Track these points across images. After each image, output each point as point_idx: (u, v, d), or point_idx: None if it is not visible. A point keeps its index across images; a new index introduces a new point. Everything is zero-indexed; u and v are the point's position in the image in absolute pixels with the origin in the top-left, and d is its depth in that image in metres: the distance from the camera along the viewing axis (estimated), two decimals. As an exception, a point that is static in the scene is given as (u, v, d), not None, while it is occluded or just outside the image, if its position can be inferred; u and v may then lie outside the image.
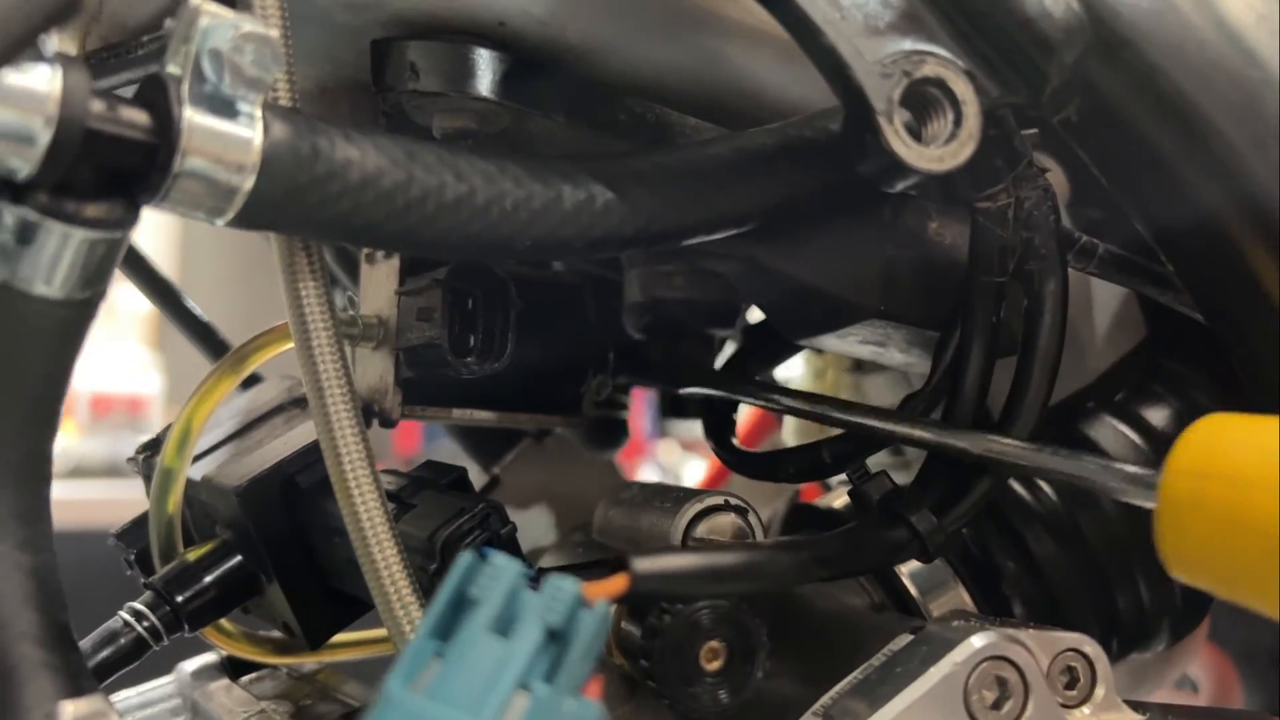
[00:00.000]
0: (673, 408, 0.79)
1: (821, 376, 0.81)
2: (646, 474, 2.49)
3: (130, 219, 0.35)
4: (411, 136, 0.39)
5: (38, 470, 0.38)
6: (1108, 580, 0.54)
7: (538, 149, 0.48)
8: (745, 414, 0.85)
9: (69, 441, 2.14)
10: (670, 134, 0.47)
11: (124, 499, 0.72)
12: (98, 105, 0.33)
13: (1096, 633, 0.54)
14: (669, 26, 0.45)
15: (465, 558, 0.32)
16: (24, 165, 0.32)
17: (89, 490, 1.97)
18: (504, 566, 0.32)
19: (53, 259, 0.34)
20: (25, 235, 0.33)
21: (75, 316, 0.36)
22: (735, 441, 0.60)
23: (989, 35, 0.37)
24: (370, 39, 0.44)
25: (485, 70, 0.43)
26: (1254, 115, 0.37)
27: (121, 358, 2.33)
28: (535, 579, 0.41)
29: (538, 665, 0.30)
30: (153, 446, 0.56)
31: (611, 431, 0.74)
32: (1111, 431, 0.57)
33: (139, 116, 0.34)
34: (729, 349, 0.71)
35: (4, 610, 0.36)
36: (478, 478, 0.71)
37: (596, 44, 0.44)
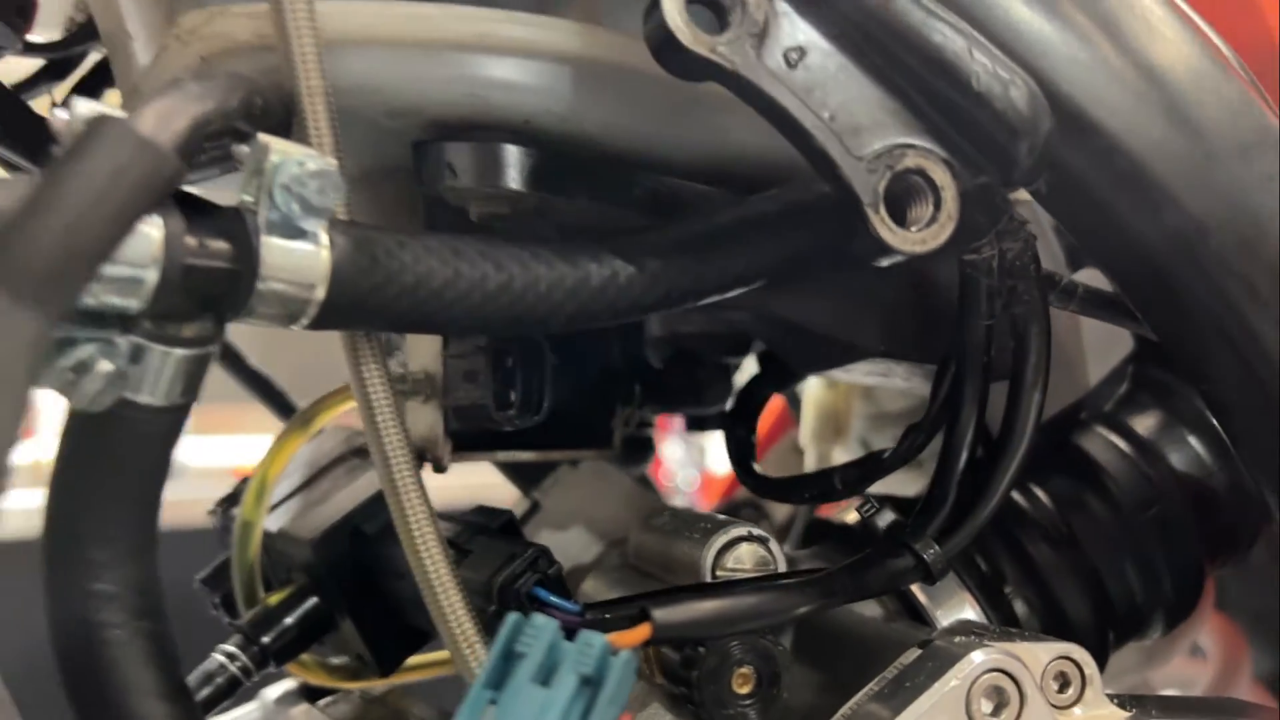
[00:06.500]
0: (694, 424, 0.84)
1: (834, 387, 0.86)
2: (673, 449, 2.57)
3: (219, 334, 0.40)
4: (452, 232, 0.44)
5: (149, 547, 0.43)
6: (1101, 579, 0.59)
7: (563, 222, 0.53)
8: (762, 418, 0.90)
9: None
10: (681, 202, 0.52)
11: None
12: (191, 243, 0.38)
13: (1094, 627, 0.60)
14: (677, 109, 0.50)
15: (512, 618, 0.38)
16: (135, 303, 0.37)
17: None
18: (543, 625, 0.37)
19: (157, 374, 0.39)
20: (135, 357, 0.39)
21: (175, 419, 0.41)
22: (756, 466, 0.65)
23: (963, 128, 0.41)
24: (412, 139, 0.49)
25: (514, 165, 0.48)
26: (1204, 185, 0.42)
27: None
28: (581, 614, 0.46)
29: (574, 708, 0.36)
30: (229, 501, 0.61)
31: (640, 449, 0.79)
32: (1101, 441, 0.62)
33: (224, 247, 0.39)
34: (746, 373, 0.76)
35: (130, 672, 0.42)
36: (519, 502, 0.77)
37: (612, 132, 0.49)
